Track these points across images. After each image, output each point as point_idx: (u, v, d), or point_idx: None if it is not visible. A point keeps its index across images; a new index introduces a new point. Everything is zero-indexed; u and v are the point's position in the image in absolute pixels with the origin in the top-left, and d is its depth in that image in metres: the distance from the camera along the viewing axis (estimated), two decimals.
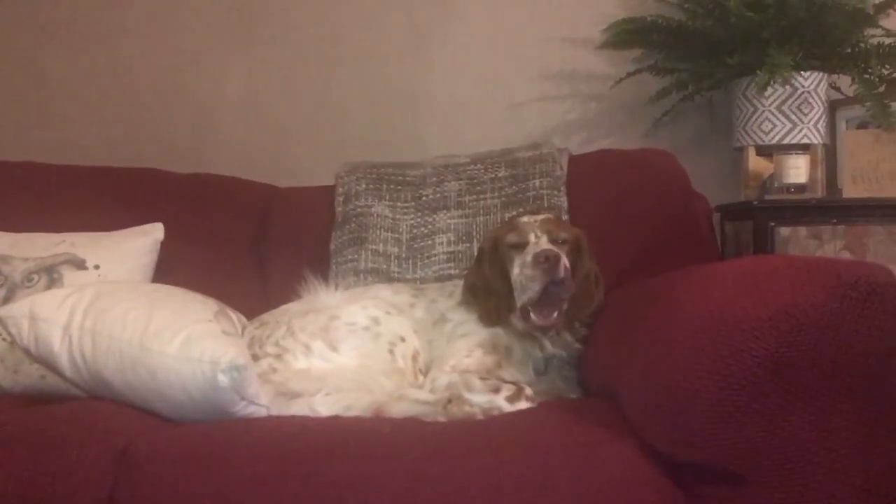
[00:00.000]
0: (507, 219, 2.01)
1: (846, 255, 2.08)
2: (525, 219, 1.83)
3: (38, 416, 1.54)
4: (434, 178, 2.25)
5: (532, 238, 1.75)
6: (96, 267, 2.02)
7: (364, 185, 2.26)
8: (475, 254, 2.10)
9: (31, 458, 1.36)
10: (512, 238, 1.77)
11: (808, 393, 1.23)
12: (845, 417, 1.25)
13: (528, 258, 1.69)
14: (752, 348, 1.19)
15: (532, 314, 1.72)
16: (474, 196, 2.20)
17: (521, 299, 1.74)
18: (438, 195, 2.22)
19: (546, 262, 1.67)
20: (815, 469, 1.25)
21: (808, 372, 1.22)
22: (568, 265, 1.70)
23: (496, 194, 2.19)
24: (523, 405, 1.60)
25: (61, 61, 2.78)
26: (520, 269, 1.73)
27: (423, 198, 2.22)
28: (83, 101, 2.78)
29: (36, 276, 1.99)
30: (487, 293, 1.80)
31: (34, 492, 1.33)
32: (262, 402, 1.57)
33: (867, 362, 1.24)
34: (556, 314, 1.72)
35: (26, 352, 1.71)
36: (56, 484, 1.33)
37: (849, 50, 2.31)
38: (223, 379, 1.49)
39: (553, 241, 1.75)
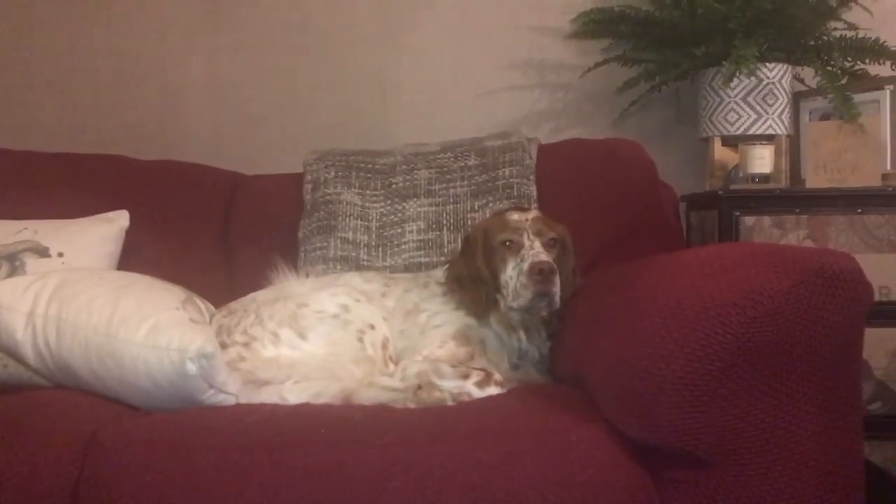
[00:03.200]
0: (493, 212, 2.02)
1: (809, 244, 2.12)
2: (516, 216, 1.82)
3: (1, 405, 1.51)
4: (404, 167, 2.25)
5: (525, 240, 1.76)
6: (60, 254, 1.99)
7: (333, 173, 2.24)
8: (445, 242, 2.11)
9: None
10: (505, 237, 1.77)
11: (772, 378, 1.26)
12: (808, 401, 1.28)
13: (525, 266, 1.70)
14: (717, 334, 1.21)
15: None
16: (444, 184, 2.20)
17: (508, 301, 1.75)
18: (408, 183, 2.22)
19: (541, 275, 1.68)
20: (780, 451, 1.27)
21: (772, 357, 1.25)
22: (559, 279, 1.71)
23: (466, 182, 2.19)
24: (493, 391, 1.61)
25: (21, 44, 2.73)
26: (513, 274, 1.73)
27: (393, 186, 2.22)
28: (45, 85, 2.73)
29: None
30: (475, 284, 1.80)
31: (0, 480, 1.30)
32: (230, 391, 1.56)
33: (830, 348, 1.28)
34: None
35: None
36: (22, 472, 1.32)
37: (812, 42, 2.34)
38: (191, 367, 1.48)
39: (544, 243, 1.76)
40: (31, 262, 1.96)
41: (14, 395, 1.59)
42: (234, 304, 1.88)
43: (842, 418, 1.30)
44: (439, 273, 1.92)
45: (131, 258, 2.11)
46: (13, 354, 1.66)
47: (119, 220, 2.12)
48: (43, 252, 1.98)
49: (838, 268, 1.25)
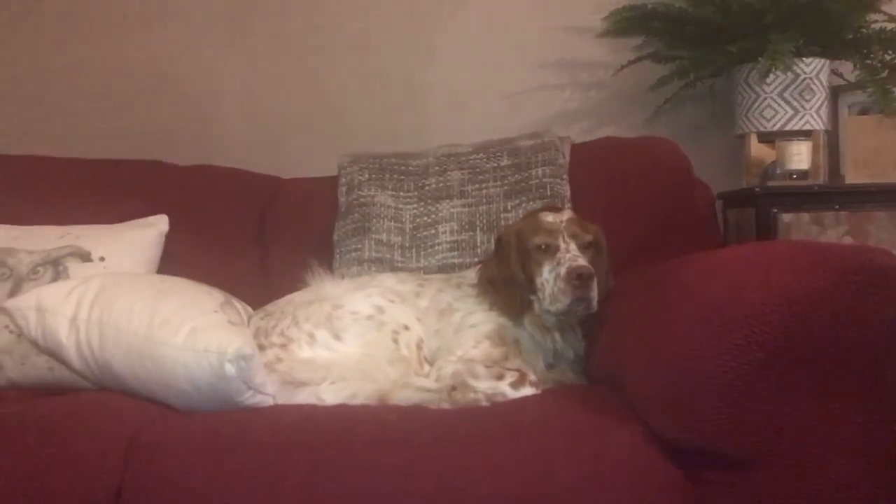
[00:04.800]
0: (526, 212, 2.01)
1: (849, 241, 2.09)
2: (550, 218, 1.81)
3: (47, 406, 1.55)
4: (436, 168, 2.26)
5: (561, 243, 1.75)
6: (101, 259, 2.03)
7: (367, 175, 2.26)
8: (478, 243, 2.12)
9: (41, 449, 1.38)
10: (540, 241, 1.76)
11: (811, 378, 1.24)
12: (850, 400, 1.26)
13: (563, 271, 1.69)
14: (755, 334, 1.20)
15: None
16: (477, 185, 2.21)
17: (545, 305, 1.75)
18: (441, 184, 2.23)
19: (579, 280, 1.68)
20: (818, 452, 1.26)
21: (812, 356, 1.23)
22: (596, 285, 1.70)
23: (499, 183, 2.19)
24: (527, 391, 1.61)
25: (62, 55, 2.78)
26: (550, 278, 1.73)
27: (426, 187, 2.23)
28: (84, 94, 2.78)
29: (41, 269, 1.99)
30: (509, 286, 1.80)
31: (45, 481, 1.34)
32: (268, 392, 1.58)
33: (871, 345, 1.25)
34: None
35: (34, 343, 1.72)
36: (66, 473, 1.35)
37: (850, 36, 2.30)
38: (230, 368, 1.50)
39: (580, 245, 1.75)
40: (74, 267, 2.00)
41: (60, 398, 1.63)
42: (270, 307, 1.90)
43: (885, 417, 1.28)
44: (472, 274, 1.92)
45: (171, 262, 2.14)
46: (58, 357, 1.71)
47: (158, 225, 2.16)
48: (85, 257, 2.02)
49: (878, 265, 1.23)
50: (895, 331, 1.28)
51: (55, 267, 2.00)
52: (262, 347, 1.72)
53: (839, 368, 1.25)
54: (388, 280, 1.94)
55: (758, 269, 1.27)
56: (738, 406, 1.22)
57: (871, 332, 1.23)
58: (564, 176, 2.17)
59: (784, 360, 1.22)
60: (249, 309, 1.91)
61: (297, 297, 1.90)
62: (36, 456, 1.37)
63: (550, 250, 1.75)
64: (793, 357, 1.22)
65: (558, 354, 1.81)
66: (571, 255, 1.72)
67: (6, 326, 1.87)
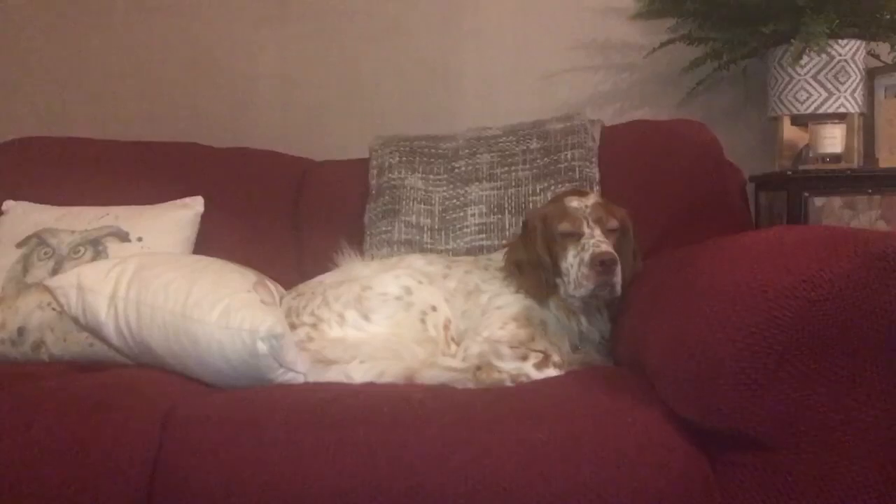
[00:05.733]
0: (552, 196, 2.01)
1: (882, 226, 2.06)
2: (575, 203, 1.82)
3: (87, 381, 1.61)
4: (466, 151, 2.28)
5: (586, 228, 1.76)
6: (139, 239, 2.09)
7: (397, 158, 2.29)
8: (507, 226, 2.13)
9: (81, 422, 1.43)
10: (565, 227, 1.78)
11: (833, 361, 1.25)
12: (872, 384, 1.26)
13: (586, 257, 1.71)
14: (776, 317, 1.21)
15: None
16: (506, 168, 2.22)
17: (569, 290, 1.77)
18: (471, 167, 2.24)
19: (602, 265, 1.69)
20: (840, 436, 1.26)
21: (833, 340, 1.24)
22: (620, 268, 1.71)
23: (528, 166, 2.20)
24: (551, 372, 1.63)
25: (101, 39, 2.84)
26: (574, 263, 1.74)
27: (456, 170, 2.25)
28: (122, 77, 2.83)
29: (82, 249, 2.06)
30: (535, 270, 1.82)
31: (83, 454, 1.39)
32: (299, 370, 1.62)
33: (892, 332, 1.25)
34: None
35: (75, 320, 1.77)
36: (106, 445, 1.40)
37: (888, 16, 2.26)
38: (262, 346, 1.54)
39: (605, 230, 1.77)
40: (113, 247, 2.06)
41: (99, 373, 1.68)
42: (302, 287, 1.94)
43: None
44: (499, 256, 1.94)
45: (206, 242, 2.19)
46: (97, 334, 1.76)
47: (195, 206, 2.21)
48: (124, 237, 2.08)
49: None
50: None
51: (95, 247, 2.06)
52: (293, 326, 1.76)
53: (862, 355, 1.25)
54: (417, 261, 1.97)
55: (778, 253, 1.27)
56: (757, 389, 1.23)
57: (893, 316, 1.23)
58: (594, 159, 2.17)
59: (805, 344, 1.22)
60: (282, 289, 1.95)
61: (327, 277, 1.94)
62: (78, 428, 1.42)
63: (575, 235, 1.77)
64: (814, 342, 1.22)
65: (584, 337, 1.83)
66: (595, 240, 1.73)
67: (49, 303, 1.94)
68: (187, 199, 2.23)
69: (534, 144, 2.23)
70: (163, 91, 2.82)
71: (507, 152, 2.24)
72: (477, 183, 2.22)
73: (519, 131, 2.28)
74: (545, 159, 2.20)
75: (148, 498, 1.37)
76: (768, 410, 1.25)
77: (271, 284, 1.87)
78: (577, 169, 2.15)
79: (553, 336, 1.80)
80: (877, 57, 2.38)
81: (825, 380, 1.25)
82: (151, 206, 2.21)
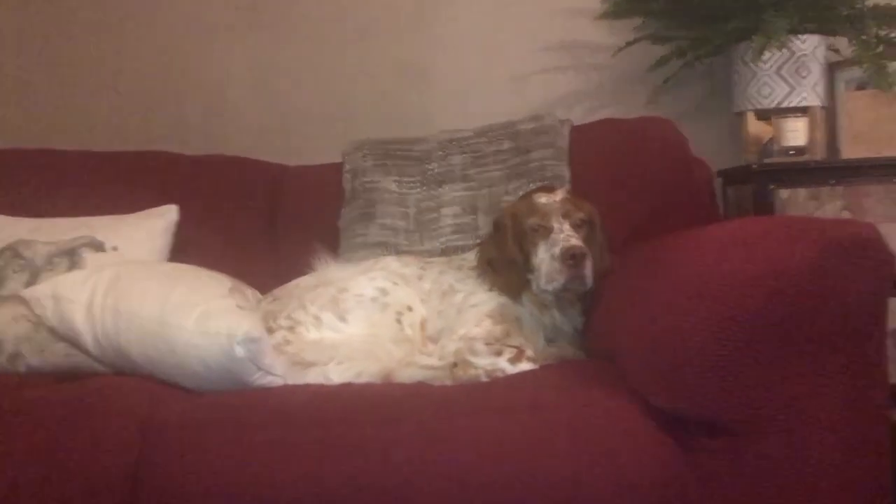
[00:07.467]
0: (522, 194, 2.05)
1: (846, 215, 2.11)
2: (544, 199, 1.86)
3: (65, 391, 1.61)
4: (439, 153, 2.30)
5: (555, 224, 1.80)
6: (115, 249, 2.08)
7: (371, 162, 2.31)
8: (480, 226, 2.16)
9: (60, 430, 1.44)
10: (535, 222, 1.81)
11: (797, 347, 1.28)
12: (834, 370, 1.29)
13: (556, 251, 1.74)
14: (740, 305, 1.24)
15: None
16: (479, 169, 2.25)
17: (541, 284, 1.80)
18: (444, 169, 2.27)
19: (573, 259, 1.73)
20: (806, 420, 1.30)
21: (796, 328, 1.27)
22: (591, 262, 1.75)
23: (500, 166, 2.23)
24: (526, 366, 1.66)
25: (72, 48, 2.83)
26: (545, 258, 1.78)
27: (429, 172, 2.27)
28: (95, 86, 2.83)
29: (57, 259, 2.05)
30: (508, 267, 1.85)
31: (63, 462, 1.40)
32: (277, 372, 1.63)
33: (854, 317, 1.29)
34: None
35: (52, 330, 1.78)
36: (85, 452, 1.41)
37: (846, 12, 2.32)
38: (239, 350, 1.56)
39: (574, 224, 1.80)
40: (89, 257, 2.06)
41: (78, 382, 1.67)
42: (278, 291, 1.96)
43: (867, 387, 1.32)
44: (472, 256, 1.97)
45: (182, 250, 2.19)
46: (75, 343, 1.77)
47: (169, 215, 2.21)
48: (99, 247, 2.08)
49: (860, 238, 1.26)
50: (879, 302, 1.33)
51: (70, 257, 2.06)
52: (270, 330, 1.77)
53: (824, 339, 1.28)
54: (392, 263, 1.99)
55: (742, 244, 1.30)
56: (724, 376, 1.26)
57: (853, 303, 1.27)
58: (564, 158, 2.21)
59: (769, 331, 1.26)
60: (258, 294, 1.97)
61: (302, 281, 1.95)
62: (57, 437, 1.43)
63: (545, 231, 1.80)
64: (778, 329, 1.26)
65: (558, 330, 1.86)
66: (565, 234, 1.77)
67: (24, 315, 1.93)
68: (162, 208, 2.23)
69: (505, 145, 2.26)
70: (135, 100, 2.82)
71: (479, 153, 2.27)
72: (450, 184, 2.24)
73: (490, 132, 2.31)
74: (516, 159, 2.23)
75: None
76: (736, 396, 1.28)
77: (247, 290, 1.89)
78: (548, 168, 2.18)
79: (527, 331, 1.83)
80: (837, 51, 2.44)
81: (791, 365, 1.29)
82: (126, 215, 2.21)
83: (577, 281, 1.75)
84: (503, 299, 1.85)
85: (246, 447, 1.39)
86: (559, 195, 1.89)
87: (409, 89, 2.75)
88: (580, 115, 2.57)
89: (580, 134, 2.28)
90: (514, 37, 2.71)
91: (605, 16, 2.57)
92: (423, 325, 1.86)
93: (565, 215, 1.81)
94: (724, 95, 2.54)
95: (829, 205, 2.13)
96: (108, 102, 2.82)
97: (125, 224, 2.17)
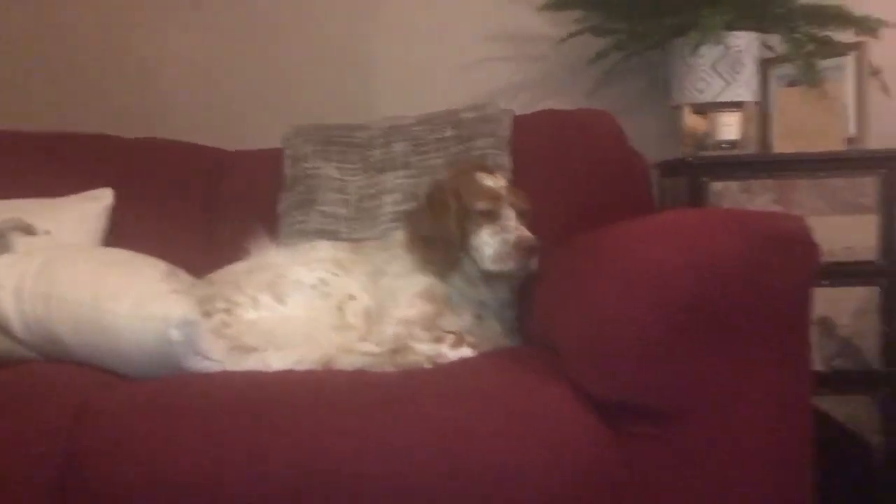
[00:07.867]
0: (456, 170, 2.03)
1: (776, 208, 2.18)
2: (490, 183, 1.88)
3: None
4: (381, 140, 2.30)
5: (504, 210, 1.83)
6: (46, 232, 2.02)
7: (312, 148, 2.29)
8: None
9: None
10: (484, 205, 1.83)
11: (726, 335, 1.33)
12: (760, 359, 1.35)
13: (511, 238, 1.77)
14: (671, 294, 1.28)
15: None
16: (421, 156, 2.25)
17: (485, 265, 1.81)
18: (386, 156, 2.27)
19: (527, 251, 1.76)
20: (733, 408, 1.35)
21: (726, 317, 1.32)
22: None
23: (442, 154, 2.24)
24: (465, 352, 1.68)
25: (2, 25, 2.74)
26: (492, 242, 1.80)
27: (371, 159, 2.27)
28: (27, 65, 2.75)
29: None
30: (444, 244, 1.85)
31: None
32: (215, 357, 1.61)
33: (781, 306, 1.34)
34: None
35: None
36: (15, 441, 1.38)
37: (779, 10, 2.38)
38: (175, 334, 1.53)
39: (518, 213, 1.84)
40: (19, 241, 2.00)
41: (6, 369, 1.63)
42: (214, 276, 1.93)
43: (793, 373, 1.38)
44: (399, 235, 1.97)
45: (117, 235, 2.16)
46: (3, 330, 1.72)
47: (103, 199, 2.17)
48: (29, 230, 2.02)
49: (787, 230, 1.32)
50: (804, 292, 1.38)
51: None
52: (207, 314, 1.73)
53: (752, 328, 1.33)
54: (327, 249, 1.97)
55: (676, 234, 1.34)
56: (656, 363, 1.30)
57: (781, 297, 1.32)
58: (505, 147, 2.22)
59: (698, 321, 1.29)
60: (194, 279, 1.94)
61: (239, 266, 1.93)
62: None
63: (493, 215, 1.82)
64: (707, 318, 1.30)
65: (484, 305, 1.89)
66: (515, 223, 1.80)
67: None
68: (96, 192, 2.19)
69: (447, 133, 2.27)
70: (69, 79, 2.75)
71: (421, 141, 2.27)
72: (392, 171, 2.24)
73: (433, 120, 2.32)
74: (458, 147, 2.23)
75: (62, 493, 1.35)
76: (667, 384, 1.32)
77: (183, 274, 1.86)
78: (489, 157, 2.19)
79: (457, 308, 1.85)
80: (770, 48, 2.50)
81: (719, 352, 1.33)
82: (59, 199, 2.16)
83: (525, 269, 1.78)
84: (431, 279, 1.86)
85: (184, 435, 1.37)
86: (501, 180, 1.91)
87: (350, 76, 2.74)
88: (522, 106, 2.58)
89: (522, 124, 2.30)
90: (457, 25, 2.72)
91: (548, 7, 2.58)
92: (368, 313, 1.84)
93: (512, 203, 1.84)
94: (662, 89, 2.59)
95: (760, 197, 2.19)
96: (41, 81, 2.75)
97: (58, 207, 2.12)
